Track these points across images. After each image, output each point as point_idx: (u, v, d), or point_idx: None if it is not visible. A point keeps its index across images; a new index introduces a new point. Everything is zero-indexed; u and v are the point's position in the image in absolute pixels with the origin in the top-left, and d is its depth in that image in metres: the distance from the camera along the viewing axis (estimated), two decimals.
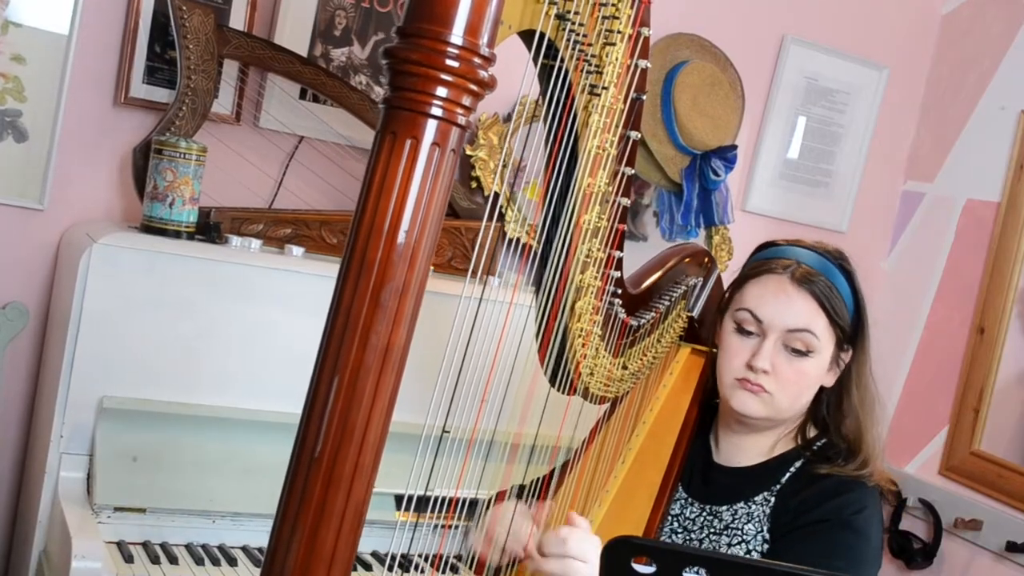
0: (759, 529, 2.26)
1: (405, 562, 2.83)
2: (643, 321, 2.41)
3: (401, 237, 1.45)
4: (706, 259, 2.67)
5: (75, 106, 3.26)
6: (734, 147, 4.15)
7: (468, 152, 3.67)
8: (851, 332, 2.32)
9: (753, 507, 2.29)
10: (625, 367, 2.41)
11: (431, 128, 1.44)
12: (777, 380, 2.28)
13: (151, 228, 3.07)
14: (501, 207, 3.69)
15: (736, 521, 2.29)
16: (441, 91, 1.43)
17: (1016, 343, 4.25)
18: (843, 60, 4.52)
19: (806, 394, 2.32)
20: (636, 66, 2.02)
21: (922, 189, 4.71)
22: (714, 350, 2.60)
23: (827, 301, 2.26)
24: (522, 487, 2.39)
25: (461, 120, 1.46)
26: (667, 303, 2.50)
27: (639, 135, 2.09)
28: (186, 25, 3.17)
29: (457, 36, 1.42)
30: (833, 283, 2.29)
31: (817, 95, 4.51)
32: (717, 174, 4.09)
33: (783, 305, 2.27)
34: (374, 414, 1.48)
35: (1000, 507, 4.15)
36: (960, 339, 4.43)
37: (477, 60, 1.45)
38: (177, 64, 3.21)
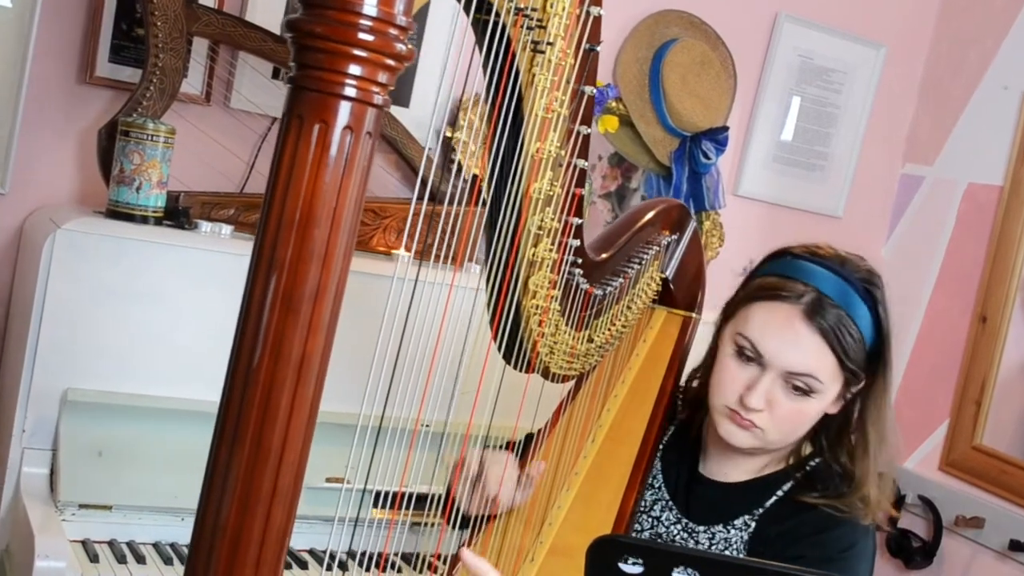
0: (735, 556, 2.19)
1: (372, 560, 2.84)
2: (609, 289, 2.31)
3: (313, 234, 1.36)
4: (681, 214, 2.55)
5: (38, 85, 3.27)
6: (725, 129, 4.17)
7: (448, 134, 3.69)
8: (866, 365, 2.19)
9: (732, 532, 2.24)
10: (591, 340, 2.34)
11: (343, 110, 1.35)
12: (772, 417, 2.17)
13: (117, 213, 3.08)
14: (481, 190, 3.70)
15: (713, 547, 2.24)
16: (353, 68, 1.34)
17: (1019, 333, 4.27)
18: (839, 38, 4.55)
19: (802, 429, 2.22)
20: (587, 14, 1.92)
21: (921, 172, 4.74)
22: (694, 316, 2.56)
23: (838, 342, 2.12)
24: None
25: (377, 99, 1.37)
26: (637, 266, 2.40)
27: (594, 90, 2.00)
28: (154, 1, 3.17)
29: (370, 5, 1.32)
30: (852, 315, 2.13)
31: (812, 74, 4.53)
32: (708, 157, 4.11)
33: (788, 343, 2.13)
34: (292, 432, 1.40)
35: (1003, 504, 4.17)
36: (961, 329, 4.45)
37: (393, 31, 1.35)
38: (145, 42, 3.22)
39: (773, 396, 2.15)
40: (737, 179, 4.49)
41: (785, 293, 2.15)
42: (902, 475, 4.45)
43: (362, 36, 1.33)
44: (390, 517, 2.56)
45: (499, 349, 2.13)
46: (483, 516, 2.27)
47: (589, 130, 2.04)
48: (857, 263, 2.23)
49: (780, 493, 2.25)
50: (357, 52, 1.33)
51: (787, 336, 2.13)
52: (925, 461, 4.50)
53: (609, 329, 2.40)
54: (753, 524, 2.23)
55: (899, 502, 4.45)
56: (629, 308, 2.45)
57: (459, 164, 3.65)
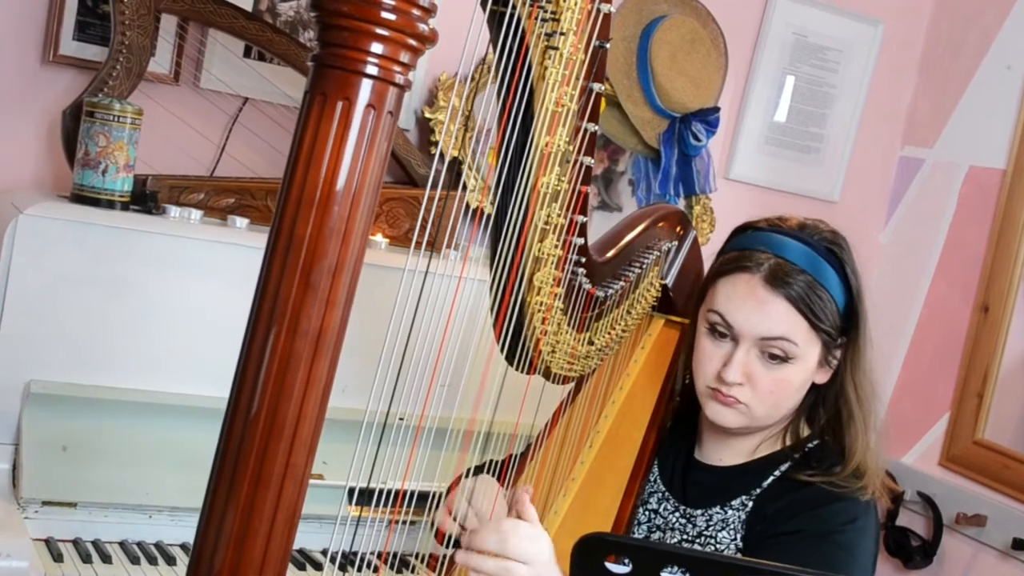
0: (733, 537, 2.25)
1: (348, 560, 2.84)
2: (611, 291, 2.37)
3: (333, 210, 1.42)
4: (681, 221, 2.63)
5: None
6: (716, 109, 4.19)
7: (427, 115, 3.69)
8: (843, 326, 2.25)
9: (729, 512, 2.28)
10: (591, 342, 2.39)
11: (365, 88, 1.42)
12: (753, 390, 2.23)
13: (82, 197, 3.08)
14: (461, 173, 3.70)
15: (710, 528, 2.28)
16: (376, 47, 1.40)
17: (1022, 322, 4.29)
18: (834, 14, 4.56)
19: (789, 401, 2.27)
20: (598, 11, 1.97)
21: (921, 155, 4.75)
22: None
23: (806, 305, 2.18)
24: (479, 468, 2.39)
25: (399, 79, 1.44)
26: (638, 271, 2.46)
27: (602, 87, 2.06)
28: None
29: None
30: (817, 279, 2.20)
31: (806, 53, 4.55)
32: (698, 139, 4.13)
33: (754, 311, 2.20)
34: (306, 407, 1.46)
35: (1005, 501, 4.18)
36: (962, 318, 4.46)
37: (416, 12, 1.42)
38: (110, 19, 3.22)
39: (751, 368, 2.23)
40: (728, 162, 4.51)
41: (746, 263, 2.24)
42: (901, 471, 4.47)
43: (385, 15, 1.40)
44: (367, 514, 2.57)
45: (501, 350, 2.19)
46: None
47: (596, 127, 2.09)
48: (818, 226, 2.31)
49: (777, 473, 2.30)
50: (380, 31, 1.40)
51: (751, 304, 2.21)
52: (925, 456, 4.51)
53: (609, 333, 2.46)
54: (750, 504, 2.27)
55: (898, 499, 4.46)
56: (629, 313, 2.51)
57: (440, 148, 3.65)
